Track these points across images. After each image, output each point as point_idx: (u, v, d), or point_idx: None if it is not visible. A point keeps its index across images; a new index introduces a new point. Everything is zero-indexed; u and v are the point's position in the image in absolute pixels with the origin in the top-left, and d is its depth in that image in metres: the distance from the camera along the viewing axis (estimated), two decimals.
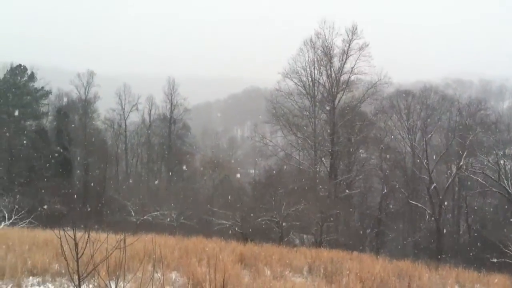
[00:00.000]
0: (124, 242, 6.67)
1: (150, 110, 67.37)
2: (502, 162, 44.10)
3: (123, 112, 65.28)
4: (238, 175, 66.41)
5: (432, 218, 46.09)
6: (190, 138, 71.15)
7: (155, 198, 42.09)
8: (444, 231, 46.72)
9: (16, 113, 55.26)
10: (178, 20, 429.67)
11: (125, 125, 65.80)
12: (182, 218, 37.88)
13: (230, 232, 33.70)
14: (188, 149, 68.25)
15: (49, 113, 62.13)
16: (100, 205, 48.26)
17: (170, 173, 61.56)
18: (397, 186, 48.79)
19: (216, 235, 26.79)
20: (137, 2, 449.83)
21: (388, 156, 50.77)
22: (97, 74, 65.88)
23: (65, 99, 65.12)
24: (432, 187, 45.81)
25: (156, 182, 58.89)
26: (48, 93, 61.75)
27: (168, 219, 37.41)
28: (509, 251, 31.86)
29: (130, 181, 58.70)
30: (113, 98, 66.22)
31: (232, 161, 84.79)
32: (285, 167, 50.87)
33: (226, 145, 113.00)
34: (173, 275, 12.59)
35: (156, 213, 37.65)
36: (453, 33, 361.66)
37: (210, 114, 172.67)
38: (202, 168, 64.83)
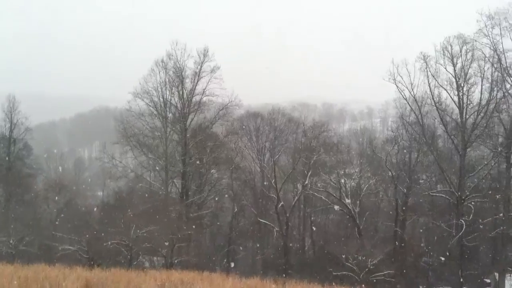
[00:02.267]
0: None
1: None
2: (343, 180, 47.13)
3: None
4: (85, 198, 63.53)
5: (280, 235, 47.74)
6: (32, 160, 66.60)
7: None
8: (291, 247, 48.69)
9: None
10: (23, 33, 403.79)
11: None
12: (22, 244, 35.24)
13: (75, 258, 32.01)
14: (29, 171, 63.71)
15: None
16: None
17: (9, 197, 57.01)
18: (249, 205, 49.96)
19: (60, 262, 25.18)
20: None
21: (238, 176, 51.86)
22: None
23: None
24: (279, 205, 47.53)
25: None
26: None
27: (6, 246, 34.59)
28: (349, 264, 34.04)
29: None
30: None
31: (79, 183, 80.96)
32: (136, 188, 49.70)
33: (72, 167, 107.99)
34: None
35: None
36: (299, 58, 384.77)
37: (55, 134, 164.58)
38: (45, 191, 60.93)
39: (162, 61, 49.80)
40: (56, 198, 56.14)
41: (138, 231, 31.73)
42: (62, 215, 49.19)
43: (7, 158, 60.18)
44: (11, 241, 34.74)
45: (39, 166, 72.33)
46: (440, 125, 44.74)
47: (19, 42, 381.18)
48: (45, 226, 46.18)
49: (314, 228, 52.17)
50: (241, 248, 50.27)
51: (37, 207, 55.78)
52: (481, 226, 40.61)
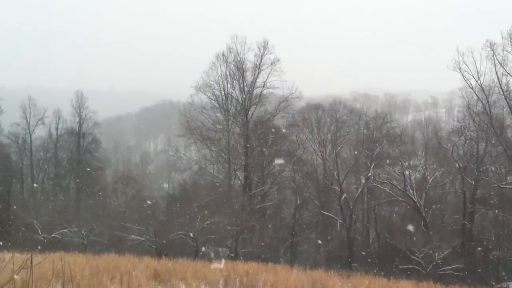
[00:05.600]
0: (31, 262, 6.31)
1: (57, 124, 64.77)
2: (407, 172, 46.16)
3: (28, 126, 62.29)
4: (151, 190, 65.21)
5: (343, 228, 47.36)
6: (101, 153, 69.03)
7: (63, 215, 40.33)
8: (355, 239, 48.22)
9: None
10: (89, 32, 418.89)
11: (30, 140, 62.81)
12: (92, 235, 36.60)
13: (143, 248, 32.99)
14: (98, 164, 66.15)
15: None
16: (4, 223, 45.57)
17: (80, 189, 59.44)
18: (312, 198, 49.77)
19: (129, 252, 26.03)
20: (42, 14, 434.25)
21: (300, 168, 51.76)
22: None
23: None
24: (342, 198, 47.12)
25: (64, 198, 56.57)
26: None
27: (78, 237, 36.03)
28: (415, 258, 33.40)
29: (37, 198, 55.99)
30: (17, 112, 63.09)
31: (145, 176, 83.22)
32: (200, 180, 50.60)
33: (138, 159, 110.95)
34: None
35: (64, 230, 36.10)
36: (360, 49, 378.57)
37: (121, 128, 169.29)
38: (113, 183, 63.06)
39: (223, 54, 50.45)
40: (124, 190, 57.92)
41: (203, 222, 32.33)
42: (130, 206, 50.70)
43: (77, 152, 62.71)
44: (82, 232, 36.10)
45: (107, 159, 74.76)
46: (509, 115, 43.03)
47: (90, 43, 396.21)
48: (114, 217, 47.57)
49: (378, 221, 51.48)
50: (303, 241, 50.19)
51: (106, 198, 57.71)
52: None
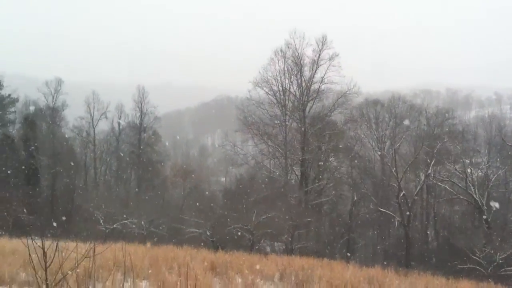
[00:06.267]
0: (94, 251, 6.57)
1: (120, 118, 66.64)
2: (469, 170, 44.84)
3: (92, 120, 64.40)
4: (209, 183, 66.12)
5: (401, 226, 46.55)
6: (160, 146, 70.61)
7: (124, 207, 41.61)
8: (413, 237, 47.27)
9: None
10: (147, 29, 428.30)
11: (94, 133, 64.95)
12: (152, 226, 37.53)
13: (201, 240, 33.53)
14: (158, 157, 67.69)
15: (16, 121, 60.89)
16: (69, 214, 47.45)
17: (140, 182, 60.99)
18: (369, 194, 49.15)
19: (187, 244, 26.56)
20: (103, 10, 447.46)
21: (358, 164, 51.20)
22: (65, 82, 64.88)
23: (32, 107, 63.92)
24: (401, 195, 46.28)
25: (125, 190, 58.27)
26: (15, 100, 60.55)
27: (138, 228, 37.03)
28: (476, 258, 32.45)
29: (99, 190, 57.93)
30: (81, 106, 65.35)
31: (203, 169, 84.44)
32: (257, 175, 50.89)
33: (196, 153, 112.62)
34: (143, 284, 12.41)
35: (125, 221, 37.21)
36: (420, 44, 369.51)
37: (180, 122, 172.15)
38: (172, 177, 64.39)
39: (281, 50, 50.47)
40: (183, 183, 59.00)
41: (259, 216, 32.54)
42: (188, 199, 51.59)
43: (138, 146, 64.40)
44: (142, 223, 37.12)
45: (167, 152, 76.31)
46: None
47: (150, 41, 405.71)
48: (173, 209, 48.57)
49: (437, 219, 50.28)
50: (360, 237, 49.66)
51: (165, 191, 58.98)
52: None
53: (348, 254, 44.37)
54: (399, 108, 53.97)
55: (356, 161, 50.88)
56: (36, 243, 6.07)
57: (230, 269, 15.62)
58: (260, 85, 50.55)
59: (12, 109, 60.96)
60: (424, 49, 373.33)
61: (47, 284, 6.13)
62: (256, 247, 32.69)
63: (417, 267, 32.56)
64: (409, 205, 46.12)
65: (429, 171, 45.40)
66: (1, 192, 47.03)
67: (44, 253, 6.02)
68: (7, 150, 50.76)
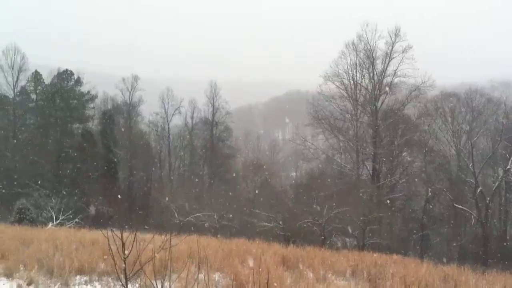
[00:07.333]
0: (170, 243, 6.80)
1: (193, 113, 68.14)
2: None
3: (166, 115, 66.24)
4: (279, 178, 66.31)
5: (478, 223, 44.96)
6: (232, 141, 71.58)
7: (197, 200, 42.56)
8: (491, 235, 45.55)
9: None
10: (220, 24, 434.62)
11: (168, 128, 66.78)
12: (223, 220, 38.17)
13: (271, 234, 33.73)
14: (229, 151, 68.68)
15: (95, 117, 63.53)
16: (145, 206, 49.17)
17: (212, 176, 62.09)
18: (444, 190, 47.73)
19: (258, 237, 26.83)
20: (177, 7, 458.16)
21: (432, 159, 49.77)
22: (141, 78, 66.94)
23: (110, 103, 66.47)
24: (478, 191, 44.72)
25: (198, 184, 59.44)
26: (94, 97, 63.34)
27: (210, 221, 37.75)
28: None
29: (173, 183, 59.49)
30: (156, 101, 67.30)
31: (273, 164, 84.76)
32: (327, 169, 50.57)
33: (267, 148, 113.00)
34: (217, 275, 12.70)
35: (198, 214, 38.03)
36: (499, 34, 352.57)
37: (251, 117, 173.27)
38: (244, 171, 65.09)
39: (353, 43, 49.86)
40: (254, 177, 59.52)
41: (331, 211, 32.36)
42: (259, 193, 52.04)
43: (210, 140, 65.59)
44: (215, 216, 37.84)
45: (238, 147, 77.25)
46: None
47: (222, 36, 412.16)
48: (244, 203, 49.09)
49: None
50: (434, 234, 48.28)
51: (237, 185, 59.71)
52: None
53: (424, 251, 43.38)
54: (477, 101, 51.91)
55: (430, 156, 49.46)
56: (116, 234, 6.35)
57: (301, 263, 15.68)
58: (331, 79, 50.24)
59: (91, 105, 63.71)
60: (503, 40, 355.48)
61: (125, 274, 6.41)
62: (327, 242, 32.54)
63: (495, 266, 31.35)
64: (487, 201, 44.49)
65: (508, 166, 43.65)
66: (81, 185, 49.40)
67: (123, 244, 6.30)
68: (86, 144, 53.05)
